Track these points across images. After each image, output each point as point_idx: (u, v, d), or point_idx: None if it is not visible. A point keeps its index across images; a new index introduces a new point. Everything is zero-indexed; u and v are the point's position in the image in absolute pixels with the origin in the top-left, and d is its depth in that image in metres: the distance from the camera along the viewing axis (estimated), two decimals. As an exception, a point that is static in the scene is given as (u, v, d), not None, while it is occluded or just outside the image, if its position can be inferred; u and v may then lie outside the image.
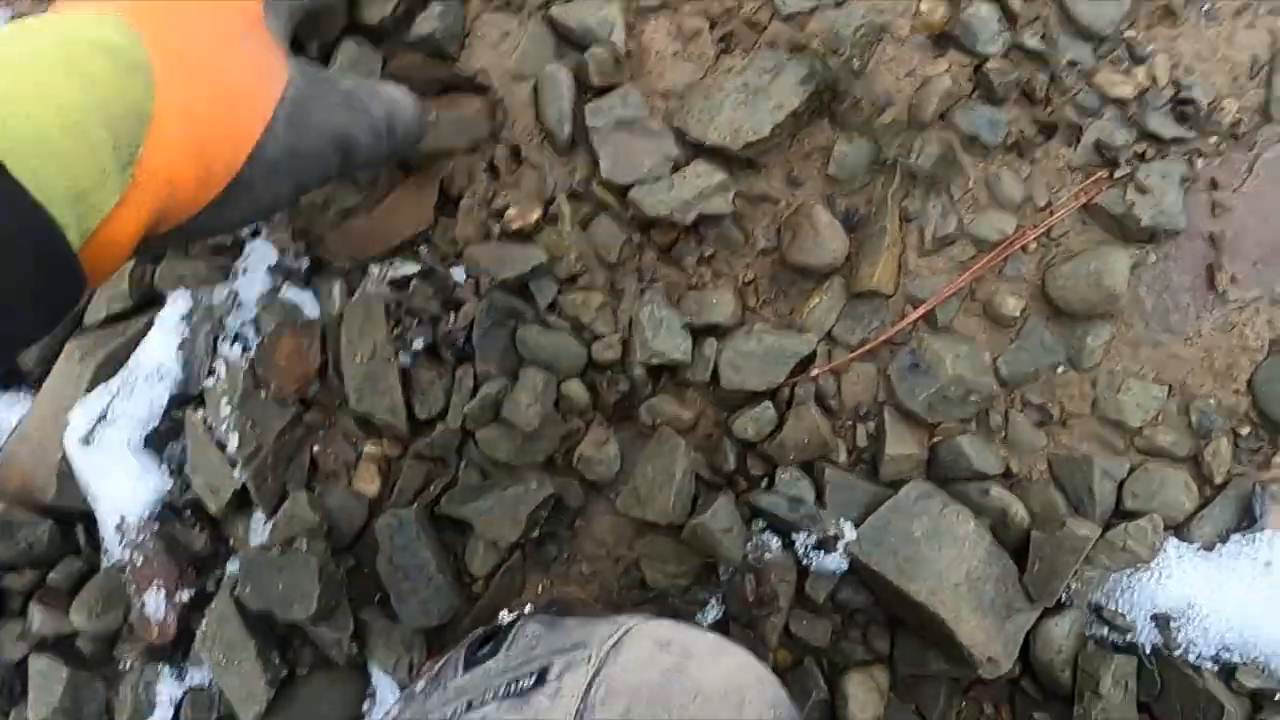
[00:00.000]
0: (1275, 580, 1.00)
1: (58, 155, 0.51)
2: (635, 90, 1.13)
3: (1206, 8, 1.12)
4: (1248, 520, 1.04)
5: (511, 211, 1.13)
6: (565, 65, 1.15)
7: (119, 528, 1.12)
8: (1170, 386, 1.09)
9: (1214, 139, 1.10)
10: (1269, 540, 1.01)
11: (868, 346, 1.11)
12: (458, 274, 1.15)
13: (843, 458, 1.12)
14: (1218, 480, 1.07)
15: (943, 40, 1.15)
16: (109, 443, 1.09)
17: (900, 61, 1.15)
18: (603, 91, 1.14)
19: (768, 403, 1.10)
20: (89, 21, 0.59)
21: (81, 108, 0.54)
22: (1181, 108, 1.10)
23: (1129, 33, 1.12)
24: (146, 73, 0.60)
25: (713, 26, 1.17)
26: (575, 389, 1.13)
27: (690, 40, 1.17)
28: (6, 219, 0.49)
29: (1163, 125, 1.09)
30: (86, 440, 1.08)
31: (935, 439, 1.11)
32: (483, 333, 1.12)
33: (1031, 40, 1.12)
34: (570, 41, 1.17)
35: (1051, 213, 1.11)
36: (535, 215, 1.12)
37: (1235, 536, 1.03)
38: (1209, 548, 1.04)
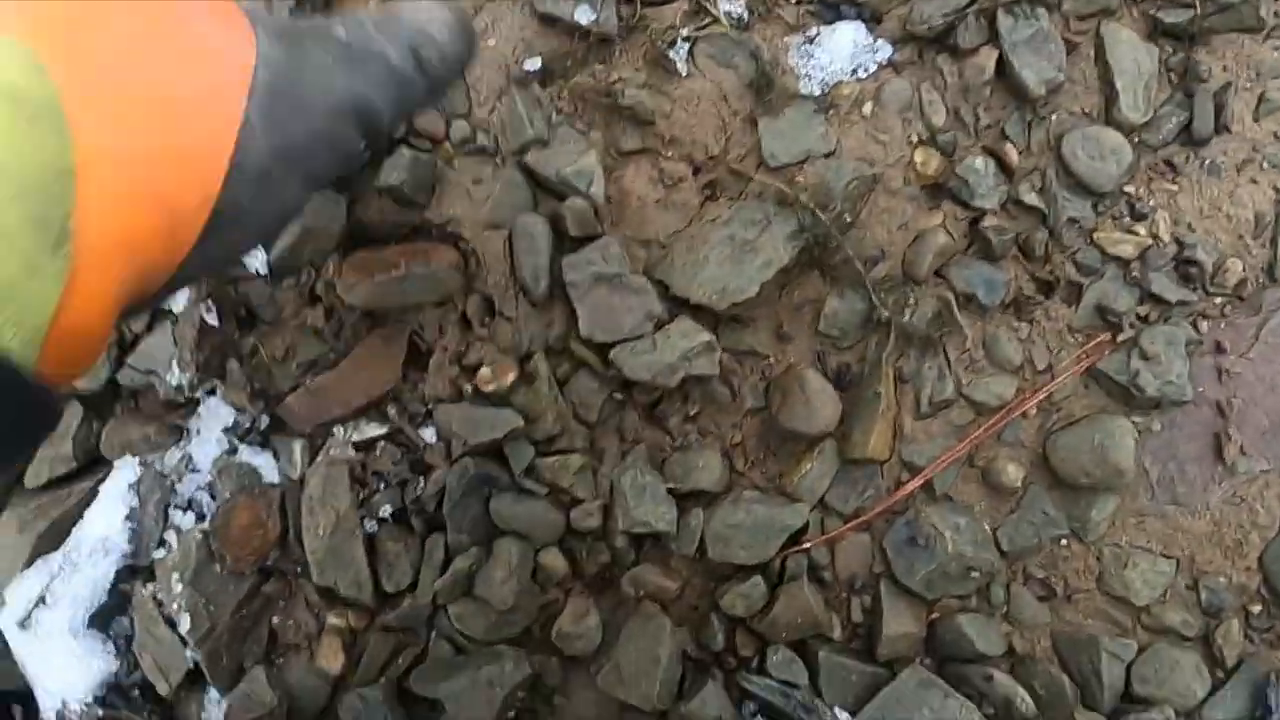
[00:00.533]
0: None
1: None
2: (615, 243, 1.08)
3: (1208, 162, 1.08)
4: (1261, 709, 0.99)
5: (485, 372, 1.07)
6: (541, 215, 1.10)
7: (60, 715, 1.03)
8: (1178, 561, 1.04)
9: (1219, 300, 1.06)
10: (1286, 738, 0.96)
11: (863, 518, 1.05)
12: (428, 435, 1.08)
13: (838, 633, 1.06)
14: (1229, 663, 1.02)
15: (937, 192, 1.11)
16: (48, 627, 1.01)
17: (893, 214, 1.10)
18: (581, 243, 1.09)
19: (758, 577, 1.04)
20: None
21: None
22: (1185, 268, 1.06)
23: (1129, 188, 1.08)
24: (58, 116, 0.45)
25: (696, 173, 1.12)
26: (553, 558, 1.07)
27: (673, 187, 1.12)
28: None
29: (1166, 287, 1.04)
30: (23, 624, 1.00)
31: (934, 615, 1.05)
32: (454, 503, 1.05)
33: (1029, 195, 1.08)
34: (548, 189, 1.11)
35: (1053, 376, 1.06)
36: (511, 377, 1.06)
37: (1250, 731, 0.99)
38: (1222, 741, 0.99)
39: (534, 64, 1.13)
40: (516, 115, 1.11)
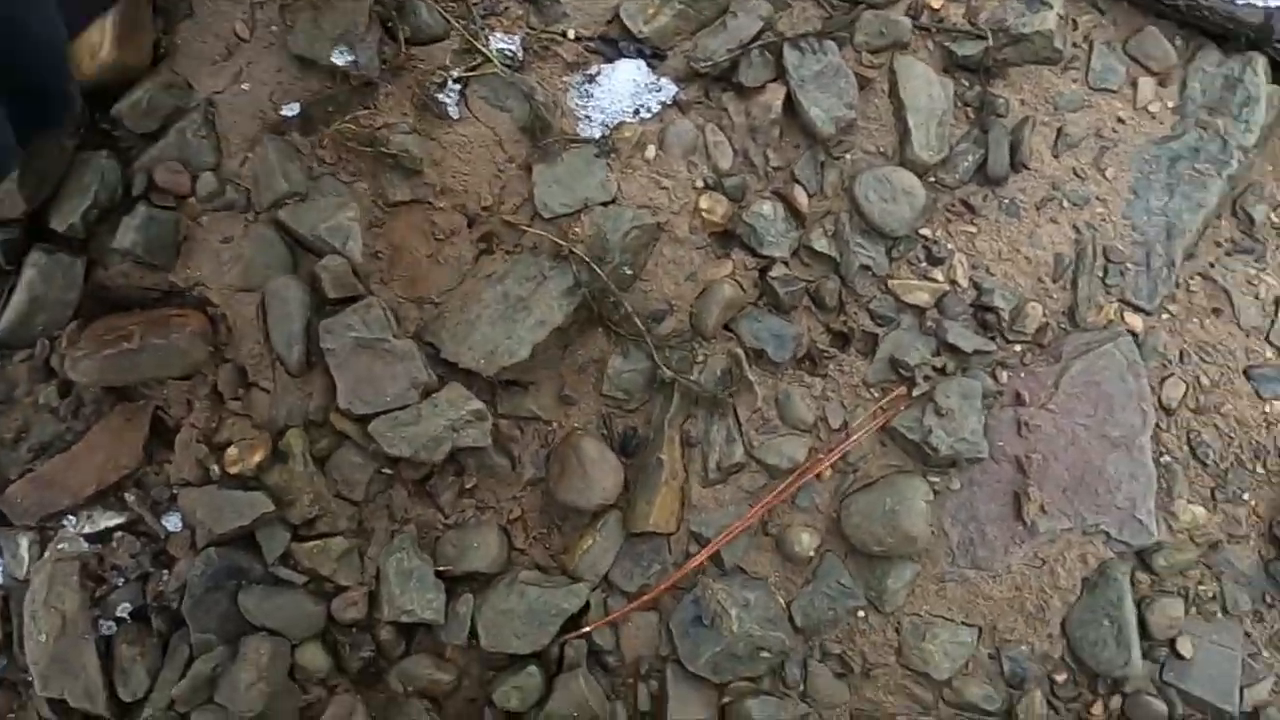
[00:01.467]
0: None
1: None
2: (376, 305, 0.99)
3: (1007, 202, 1.03)
4: (1066, 791, 0.93)
5: (232, 451, 0.97)
6: (297, 276, 1.01)
7: None
8: (980, 630, 0.98)
9: (1019, 348, 1.00)
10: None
11: (647, 597, 0.97)
12: (171, 523, 0.98)
13: (624, 723, 0.98)
14: (1034, 739, 0.96)
15: (726, 240, 1.04)
16: None
17: (680, 264, 1.03)
18: (341, 304, 1.00)
19: (534, 667, 0.96)
20: None
21: None
22: (983, 314, 1.00)
23: (925, 230, 1.02)
24: None
25: (471, 225, 1.04)
26: (313, 654, 0.97)
27: (446, 240, 1.04)
28: None
29: (962, 336, 0.98)
30: None
31: (725, 699, 0.97)
32: (196, 599, 0.95)
33: (820, 241, 1.01)
34: (307, 246, 1.02)
35: (848, 435, 0.99)
36: (259, 457, 0.97)
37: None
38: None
39: (291, 110, 1.04)
40: (270, 166, 1.02)
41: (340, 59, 1.02)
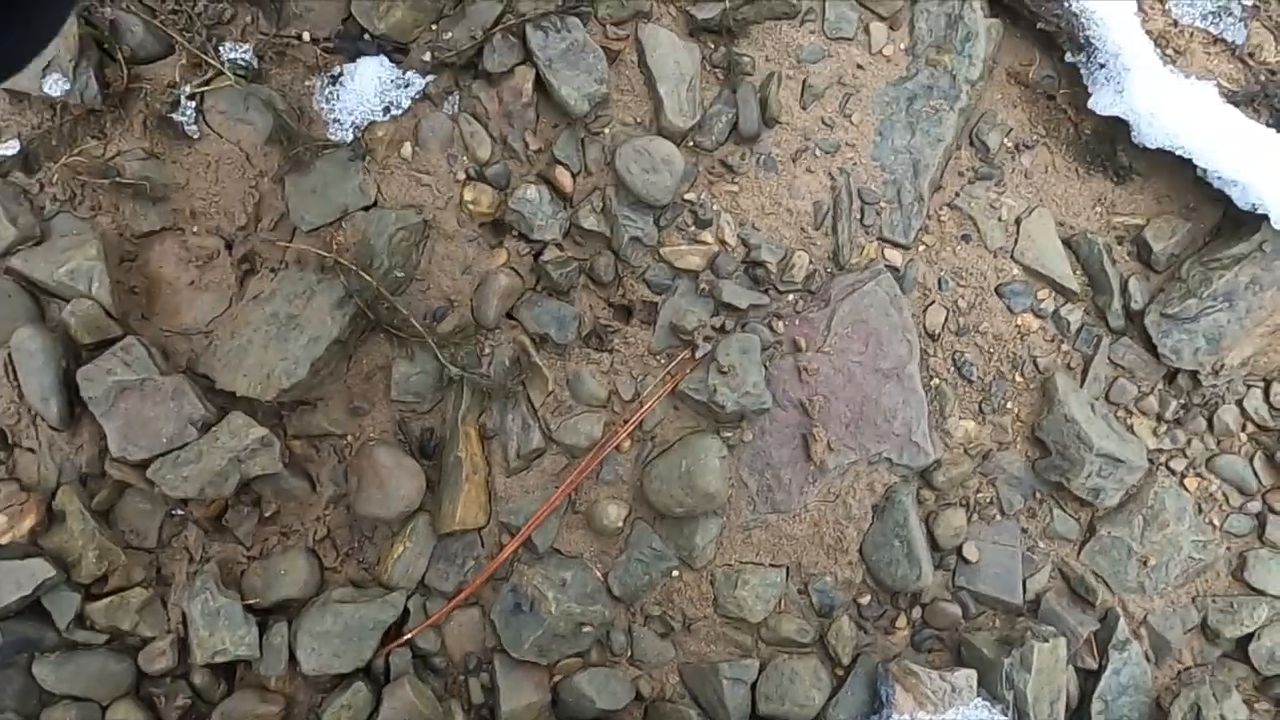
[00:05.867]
0: (908, 772, 0.96)
1: None
2: (138, 343, 0.94)
3: (763, 158, 1.06)
4: (877, 703, 1.00)
5: (0, 520, 0.92)
6: (42, 327, 0.95)
7: None
8: (787, 569, 1.03)
9: (791, 297, 1.05)
10: (897, 728, 0.97)
11: (463, 594, 0.98)
12: (-54, 606, 0.92)
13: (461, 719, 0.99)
14: (845, 660, 1.02)
15: (498, 229, 1.04)
16: None
17: (454, 259, 1.02)
18: (98, 349, 0.95)
19: (359, 683, 0.96)
20: None
21: None
22: (754, 270, 1.04)
23: (690, 195, 1.05)
24: None
25: (229, 247, 1.00)
26: (126, 712, 0.94)
27: (206, 265, 1.00)
28: None
29: (736, 294, 1.02)
30: None
31: (556, 678, 1.00)
32: (-17, 681, 0.90)
33: (589, 219, 1.02)
34: (50, 293, 0.96)
35: (641, 404, 1.02)
36: (31, 521, 0.92)
37: (868, 728, 0.99)
38: (845, 744, 1.00)
39: (10, 148, 0.97)
40: (-7, 213, 0.95)
41: (55, 89, 0.96)
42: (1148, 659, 1.06)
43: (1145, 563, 1.06)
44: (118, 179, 0.97)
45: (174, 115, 0.99)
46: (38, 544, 0.93)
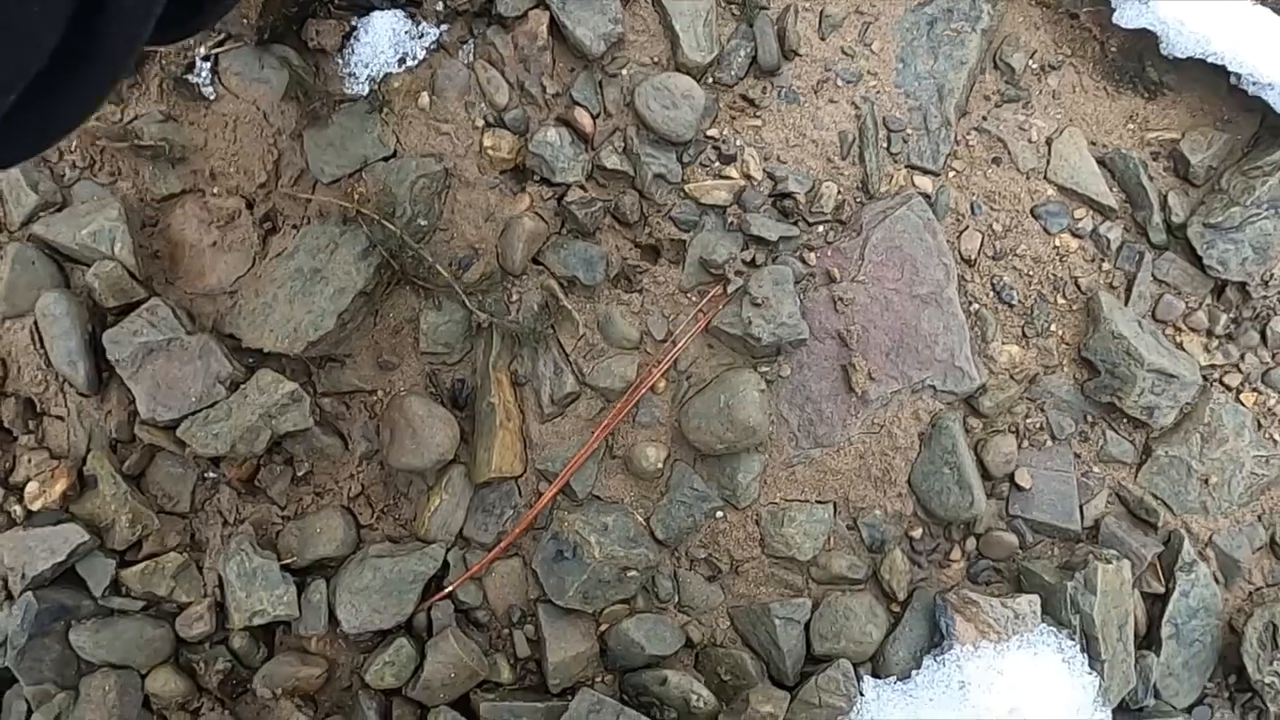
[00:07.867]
0: (971, 701, 0.92)
1: None
2: (161, 305, 0.93)
3: (785, 90, 1.04)
4: (937, 636, 0.96)
5: (32, 487, 0.90)
6: (66, 291, 0.94)
7: None
8: (834, 505, 1.00)
9: (821, 228, 1.02)
10: (959, 660, 0.93)
11: (504, 543, 0.96)
12: (-20, 578, 0.91)
13: (506, 674, 0.96)
14: (901, 595, 0.99)
15: (519, 175, 1.02)
16: None
17: (476, 207, 1.01)
18: (123, 312, 0.94)
19: (402, 639, 0.93)
20: None
21: None
22: (781, 202, 1.02)
23: (712, 131, 1.03)
24: None
25: (250, 206, 0.99)
26: (166, 679, 0.92)
27: (227, 226, 0.98)
28: None
29: (765, 227, 0.99)
30: None
31: (603, 626, 0.97)
32: (20, 650, 0.88)
33: (611, 159, 1.01)
34: (73, 259, 0.96)
35: (674, 343, 0.99)
36: (62, 487, 0.90)
37: (928, 661, 0.95)
38: (905, 677, 0.96)
39: (28, 118, 0.97)
40: (14, 180, 0.94)
41: (71, 55, 0.95)
42: (1216, 580, 1.02)
43: (1206, 481, 1.02)
44: (136, 142, 0.96)
45: (189, 77, 0.99)
46: (69, 510, 0.91)
